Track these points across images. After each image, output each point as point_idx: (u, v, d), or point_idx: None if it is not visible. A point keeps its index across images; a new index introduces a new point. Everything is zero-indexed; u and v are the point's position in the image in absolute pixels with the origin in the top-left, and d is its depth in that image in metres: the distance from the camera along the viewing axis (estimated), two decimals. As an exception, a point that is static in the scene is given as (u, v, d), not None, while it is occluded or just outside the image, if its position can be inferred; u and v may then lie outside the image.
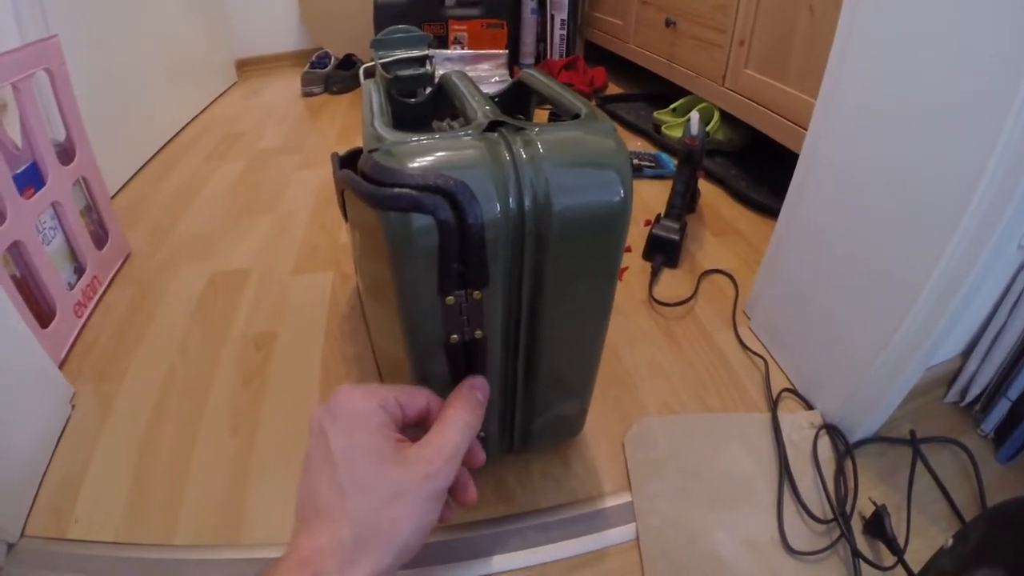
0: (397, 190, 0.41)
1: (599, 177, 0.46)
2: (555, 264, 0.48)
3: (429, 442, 0.43)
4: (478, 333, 0.49)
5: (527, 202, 0.44)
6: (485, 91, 0.71)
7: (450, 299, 0.45)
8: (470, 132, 0.46)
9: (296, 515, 0.41)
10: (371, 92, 0.63)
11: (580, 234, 0.47)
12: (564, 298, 0.51)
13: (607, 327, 0.58)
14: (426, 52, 0.71)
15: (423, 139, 0.45)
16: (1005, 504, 0.47)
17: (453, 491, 0.48)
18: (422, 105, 0.71)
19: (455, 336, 0.48)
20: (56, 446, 0.75)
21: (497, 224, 0.43)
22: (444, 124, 0.71)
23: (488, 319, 0.48)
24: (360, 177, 0.44)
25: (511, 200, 0.43)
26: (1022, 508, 0.45)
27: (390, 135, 0.46)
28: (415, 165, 0.42)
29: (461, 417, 0.45)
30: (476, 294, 0.46)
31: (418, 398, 0.46)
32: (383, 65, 0.69)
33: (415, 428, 0.45)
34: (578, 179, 0.46)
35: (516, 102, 0.73)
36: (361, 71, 0.74)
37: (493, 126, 0.48)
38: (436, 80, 0.70)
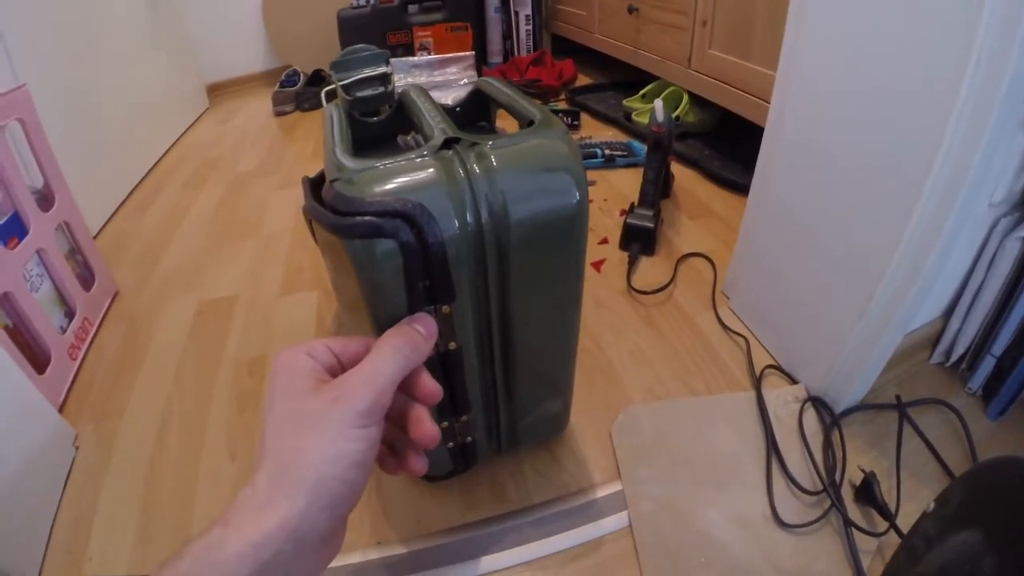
0: (359, 218, 0.42)
1: (553, 182, 0.48)
2: (519, 271, 0.49)
3: (350, 371, 0.40)
4: (452, 345, 0.50)
5: (484, 215, 0.45)
6: (454, 95, 0.73)
7: (420, 315, 0.47)
8: (425, 153, 0.47)
9: None
10: (332, 116, 0.64)
11: (540, 240, 0.48)
12: (532, 302, 0.53)
13: (579, 324, 0.60)
14: (385, 70, 0.72)
15: (381, 165, 0.46)
16: (982, 465, 0.48)
17: (405, 425, 0.45)
18: (386, 122, 0.72)
19: (430, 350, 0.50)
20: (64, 488, 0.76)
21: (457, 240, 0.45)
22: (409, 139, 0.72)
23: (460, 330, 0.50)
24: (324, 207, 0.46)
25: (468, 215, 0.45)
26: (999, 469, 0.45)
27: (350, 163, 0.48)
28: (374, 191, 0.44)
29: (390, 343, 0.42)
30: (445, 308, 0.47)
31: (354, 344, 0.44)
32: (343, 87, 0.70)
33: None
34: (533, 187, 0.47)
35: (478, 109, 0.75)
36: (323, 94, 0.75)
37: (448, 143, 0.49)
38: (396, 96, 0.71)
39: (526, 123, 0.55)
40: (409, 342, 0.43)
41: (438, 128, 0.53)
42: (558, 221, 0.48)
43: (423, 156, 0.47)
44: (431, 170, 0.46)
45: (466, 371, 0.54)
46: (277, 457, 0.36)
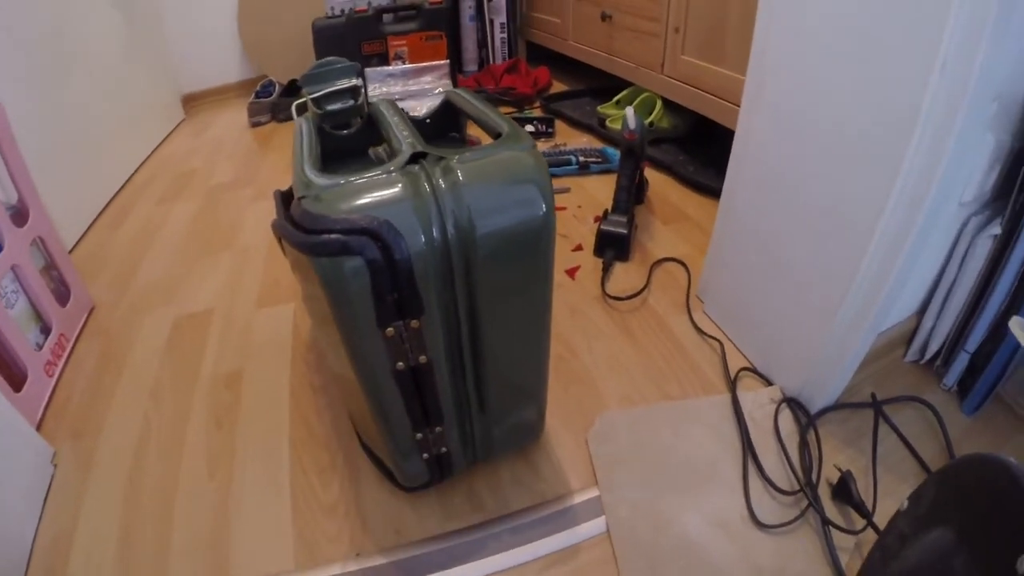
0: (325, 236, 0.43)
1: (519, 195, 0.48)
2: (486, 283, 0.50)
3: None
4: (422, 358, 0.51)
5: (451, 230, 0.46)
6: (428, 104, 0.74)
7: (389, 330, 0.47)
8: (392, 168, 0.48)
9: None
10: (301, 131, 0.65)
11: (507, 252, 0.49)
12: (501, 313, 0.53)
13: (549, 332, 0.61)
14: (355, 83, 0.73)
15: (347, 181, 0.47)
16: (954, 464, 0.49)
17: None
18: (356, 135, 0.72)
19: (400, 363, 0.50)
20: (43, 507, 0.75)
21: (424, 255, 0.45)
22: (380, 151, 0.72)
23: (430, 344, 0.51)
24: (291, 224, 0.46)
25: (435, 231, 0.46)
26: (969, 467, 0.46)
27: (318, 179, 0.48)
28: (340, 208, 0.44)
29: None
30: (414, 323, 0.48)
31: None
32: (314, 100, 0.70)
33: None
34: (499, 200, 0.48)
35: (448, 120, 0.75)
36: (293, 108, 0.75)
37: (415, 158, 0.50)
38: (367, 109, 0.71)
39: (494, 135, 0.56)
40: None
41: (406, 143, 0.53)
42: (525, 233, 0.49)
43: (389, 172, 0.47)
44: (398, 186, 0.46)
45: (437, 383, 0.55)
46: None
